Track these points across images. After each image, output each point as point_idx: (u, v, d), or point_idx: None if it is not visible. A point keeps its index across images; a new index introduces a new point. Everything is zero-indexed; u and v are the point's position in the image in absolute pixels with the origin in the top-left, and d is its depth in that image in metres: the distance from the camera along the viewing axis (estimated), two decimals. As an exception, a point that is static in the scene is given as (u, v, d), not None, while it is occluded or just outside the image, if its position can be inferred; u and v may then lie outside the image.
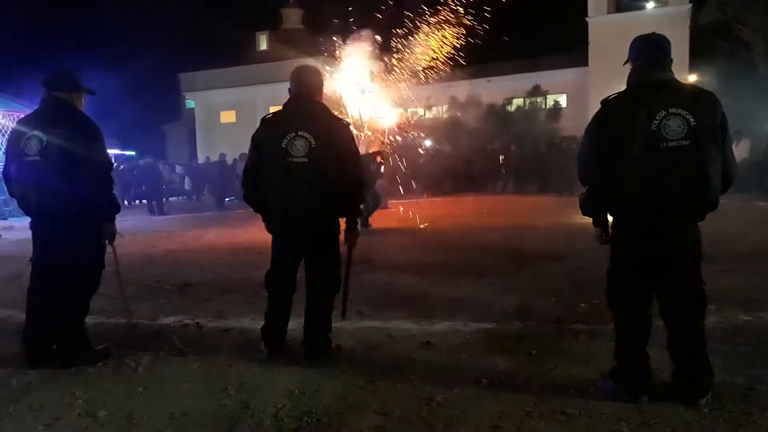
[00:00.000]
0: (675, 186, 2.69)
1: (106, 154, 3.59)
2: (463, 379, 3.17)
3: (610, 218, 2.99)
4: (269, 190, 3.46)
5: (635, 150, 2.70)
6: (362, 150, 10.63)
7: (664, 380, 2.93)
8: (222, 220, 13.72)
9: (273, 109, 3.62)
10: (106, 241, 3.64)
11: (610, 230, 2.99)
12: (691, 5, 23.05)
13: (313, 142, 3.36)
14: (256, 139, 3.54)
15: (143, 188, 17.99)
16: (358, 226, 3.70)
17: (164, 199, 17.57)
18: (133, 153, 25.21)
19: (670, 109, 2.69)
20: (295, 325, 3.67)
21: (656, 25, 14.59)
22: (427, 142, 21.95)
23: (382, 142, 10.65)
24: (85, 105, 3.65)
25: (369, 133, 11.04)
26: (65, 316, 3.51)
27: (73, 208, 3.39)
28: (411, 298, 5.12)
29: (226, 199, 18.94)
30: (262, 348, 3.60)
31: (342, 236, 3.63)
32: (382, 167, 10.47)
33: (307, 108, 3.51)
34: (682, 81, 2.98)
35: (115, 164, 20.93)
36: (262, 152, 3.48)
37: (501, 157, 20.56)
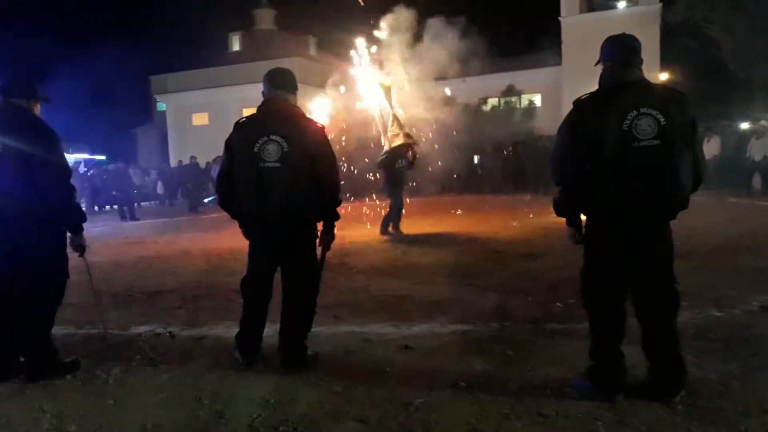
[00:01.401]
0: (646, 185, 2.72)
1: (65, 161, 3.51)
2: (440, 383, 3.15)
3: (583, 218, 3.01)
4: (243, 196, 3.42)
5: (607, 150, 2.73)
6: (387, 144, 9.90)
7: (639, 378, 2.96)
8: (195, 224, 13.54)
9: (247, 113, 3.58)
10: (77, 255, 3.57)
11: (583, 230, 3.01)
12: (661, 5, 23.46)
13: (286, 146, 3.32)
14: (229, 144, 3.50)
15: (114, 193, 17.63)
16: (335, 230, 3.65)
17: (136, 204, 17.26)
18: (103, 157, 24.78)
19: (641, 109, 2.72)
20: (271, 331, 3.62)
21: (627, 24, 14.84)
22: None
23: (408, 134, 9.99)
24: (41, 111, 3.58)
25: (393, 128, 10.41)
26: (30, 327, 3.41)
27: (32, 216, 3.32)
28: (388, 300, 5.09)
29: (206, 200, 18.64)
30: (236, 356, 3.54)
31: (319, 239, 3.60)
32: (414, 158, 9.90)
33: (279, 111, 3.47)
34: (654, 80, 3.02)
35: (84, 169, 20.55)
36: (236, 157, 3.44)
37: (476, 157, 20.67)
